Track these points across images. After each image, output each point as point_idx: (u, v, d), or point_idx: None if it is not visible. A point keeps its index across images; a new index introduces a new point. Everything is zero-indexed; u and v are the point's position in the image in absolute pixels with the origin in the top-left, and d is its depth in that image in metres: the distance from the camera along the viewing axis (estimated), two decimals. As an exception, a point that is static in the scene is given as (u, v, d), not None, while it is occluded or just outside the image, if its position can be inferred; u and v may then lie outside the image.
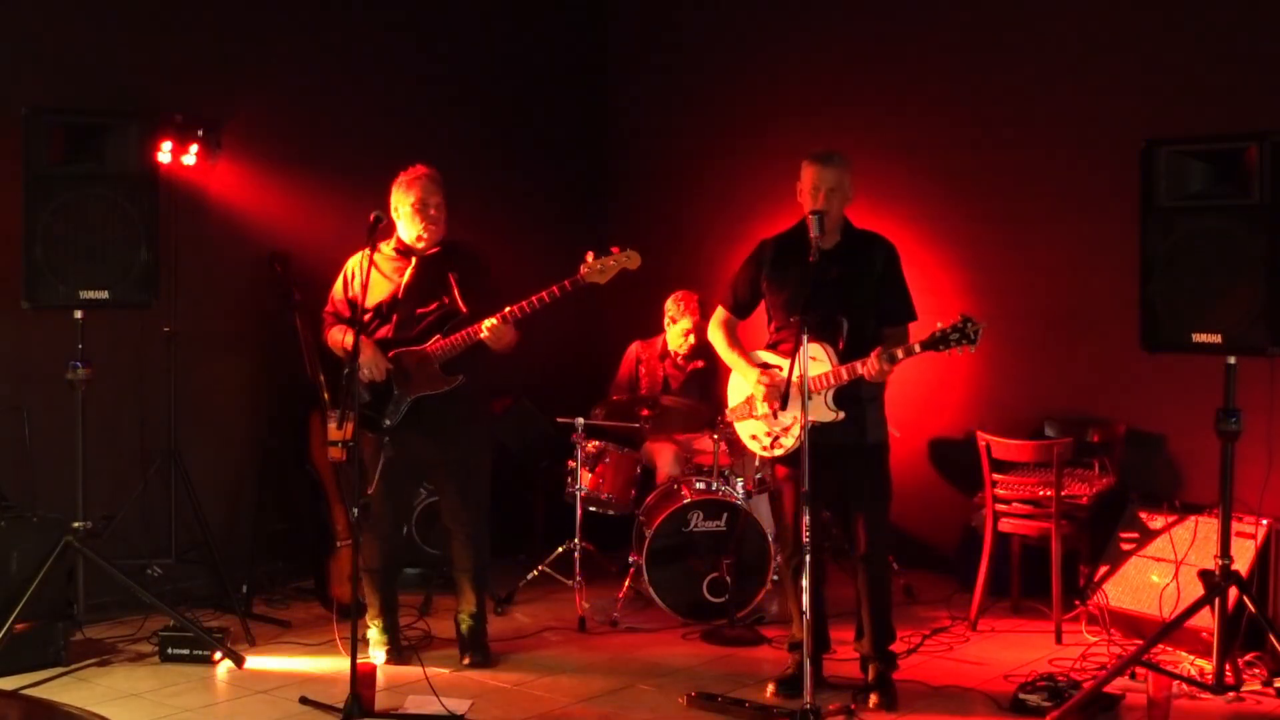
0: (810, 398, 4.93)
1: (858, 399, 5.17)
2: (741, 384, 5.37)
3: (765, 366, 5.27)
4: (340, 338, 5.68)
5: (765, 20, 7.95)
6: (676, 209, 8.25)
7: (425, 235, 5.63)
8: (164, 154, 6.01)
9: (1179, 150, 5.25)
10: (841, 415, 5.13)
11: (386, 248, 5.72)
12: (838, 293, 5.15)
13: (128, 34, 6.52)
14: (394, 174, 5.67)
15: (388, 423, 5.61)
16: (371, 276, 5.58)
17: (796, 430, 5.16)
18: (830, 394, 5.12)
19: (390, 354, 5.59)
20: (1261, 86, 6.23)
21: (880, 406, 5.28)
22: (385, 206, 5.57)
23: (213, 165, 6.36)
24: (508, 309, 5.44)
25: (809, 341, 4.91)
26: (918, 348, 4.97)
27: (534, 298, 5.40)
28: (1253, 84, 6.27)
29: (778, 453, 5.26)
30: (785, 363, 5.12)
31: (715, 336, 5.46)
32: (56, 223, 5.60)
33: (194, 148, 6.21)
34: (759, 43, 7.97)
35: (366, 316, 5.59)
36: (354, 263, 5.73)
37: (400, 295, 5.63)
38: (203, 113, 6.33)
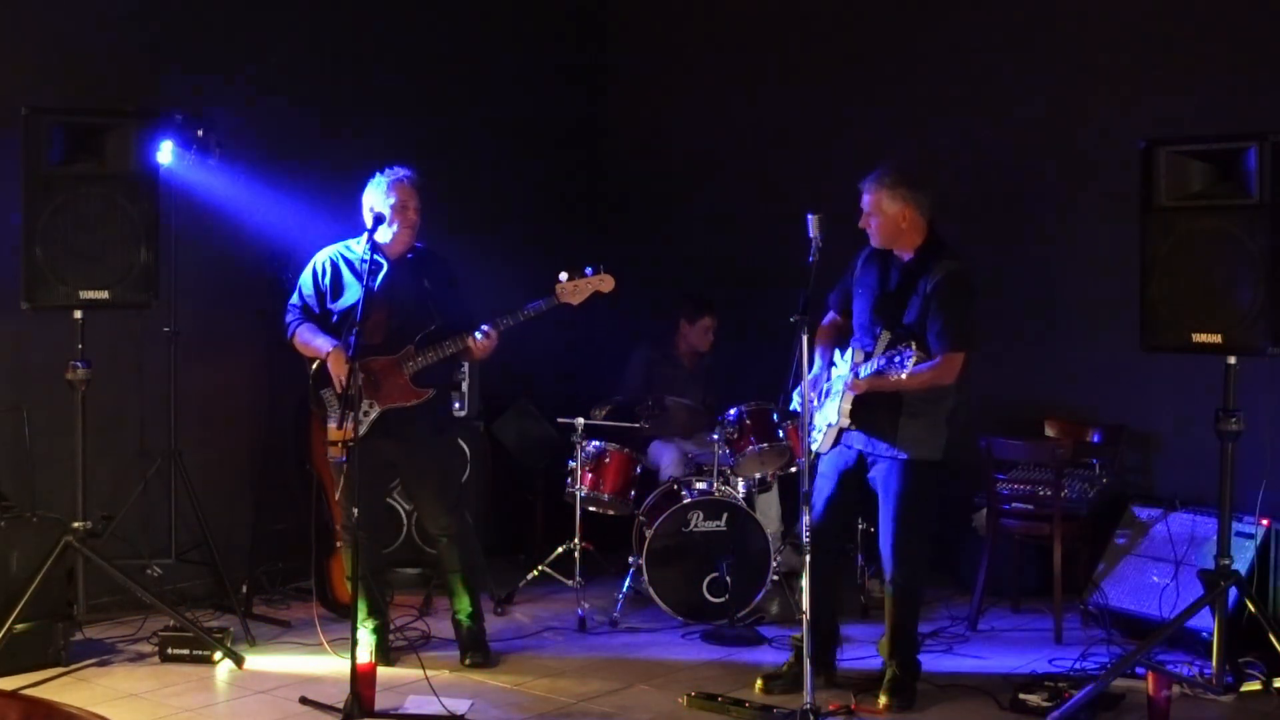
0: (833, 398, 5.12)
1: (894, 409, 5.14)
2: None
3: (830, 364, 5.38)
4: (311, 339, 5.63)
5: (763, 23, 7.94)
6: (674, 213, 8.24)
7: (402, 239, 5.62)
8: (164, 154, 6.00)
9: (1179, 150, 5.25)
10: (845, 422, 5.18)
11: (359, 245, 5.67)
12: (889, 307, 5.20)
13: (128, 34, 6.51)
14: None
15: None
16: (342, 276, 5.63)
17: (825, 429, 5.24)
18: (847, 399, 5.15)
19: (358, 362, 5.55)
20: (1261, 86, 6.24)
21: (930, 425, 5.17)
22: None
23: (213, 165, 6.36)
24: (499, 321, 5.46)
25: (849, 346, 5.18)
26: (864, 370, 5.08)
27: (518, 311, 5.46)
28: (1253, 84, 6.27)
29: (815, 446, 5.29)
30: (844, 362, 5.29)
31: (818, 331, 5.43)
32: (56, 223, 5.59)
33: (194, 148, 6.21)
34: (756, 45, 7.97)
35: (334, 319, 5.61)
36: (323, 256, 5.71)
37: (373, 300, 5.55)
38: (203, 113, 6.33)
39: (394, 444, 5.63)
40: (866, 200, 5.22)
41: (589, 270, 5.57)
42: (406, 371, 5.55)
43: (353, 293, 5.60)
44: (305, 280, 5.72)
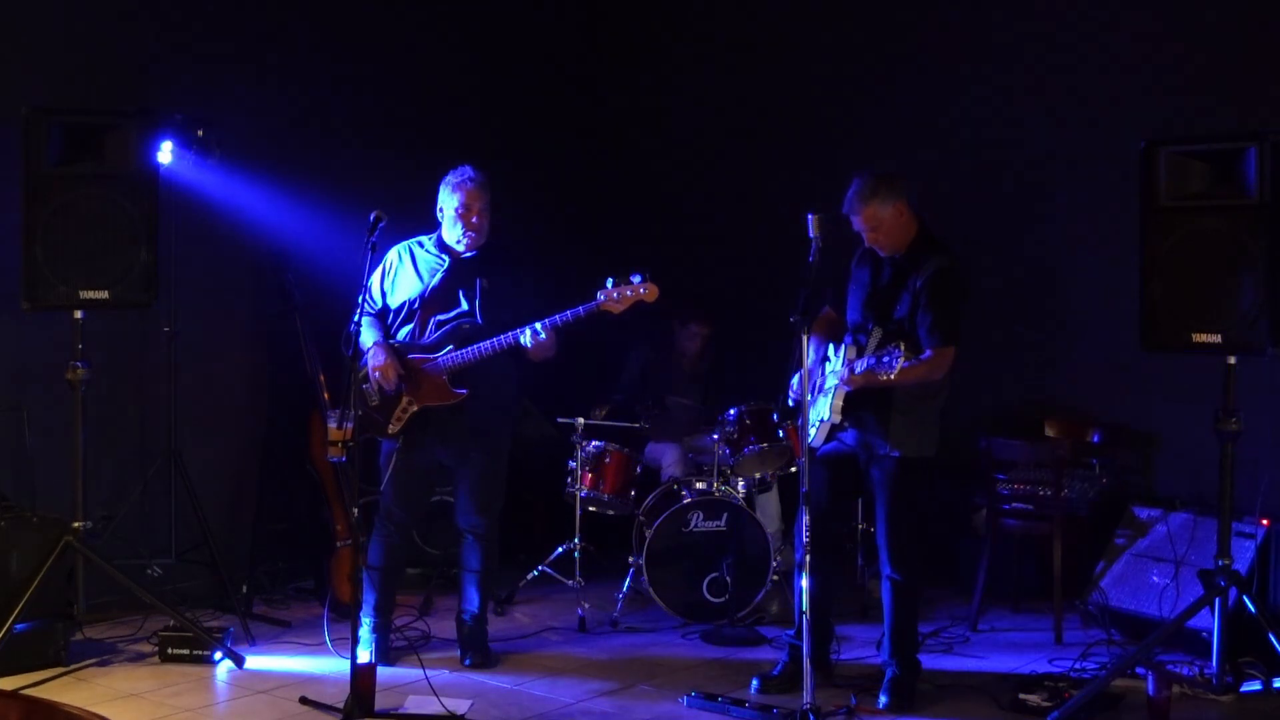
0: (825, 395, 5.11)
1: (885, 406, 5.16)
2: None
3: (824, 359, 5.37)
4: (360, 334, 5.62)
5: (762, 25, 7.94)
6: (674, 212, 8.23)
7: (465, 241, 5.60)
8: (164, 154, 6.00)
9: (1179, 150, 5.25)
10: (837, 419, 5.18)
11: (429, 243, 5.70)
12: (880, 302, 5.22)
13: (127, 33, 6.51)
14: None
15: (391, 428, 5.59)
16: (404, 271, 5.64)
17: (817, 424, 5.25)
18: (839, 395, 5.15)
19: (405, 358, 5.58)
20: (1261, 86, 6.24)
21: (918, 421, 5.20)
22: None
23: (213, 165, 6.36)
24: (549, 321, 5.37)
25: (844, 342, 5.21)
26: (858, 366, 5.07)
27: (558, 316, 5.38)
28: (1253, 84, 6.27)
29: (809, 440, 5.27)
30: (837, 359, 5.28)
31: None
32: (56, 223, 5.59)
33: (194, 148, 6.21)
34: (758, 45, 7.96)
35: (389, 316, 5.65)
36: (393, 252, 5.72)
37: (425, 297, 5.62)
38: (202, 113, 6.33)
39: (439, 442, 5.64)
40: (859, 220, 5.20)
41: (635, 277, 5.40)
42: (445, 372, 5.55)
43: (406, 289, 5.63)
44: (374, 277, 5.70)
